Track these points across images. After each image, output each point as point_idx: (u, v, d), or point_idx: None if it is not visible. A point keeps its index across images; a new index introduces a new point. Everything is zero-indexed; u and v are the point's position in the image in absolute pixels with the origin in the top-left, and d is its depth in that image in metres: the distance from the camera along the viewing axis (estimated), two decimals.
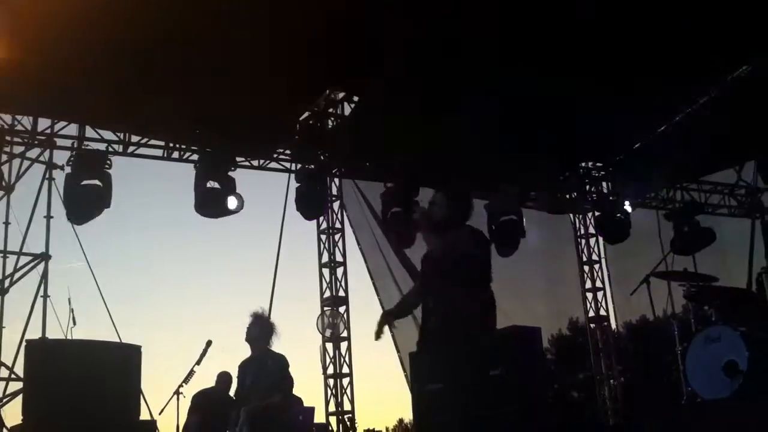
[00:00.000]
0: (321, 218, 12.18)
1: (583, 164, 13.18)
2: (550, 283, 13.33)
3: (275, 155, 11.28)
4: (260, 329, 7.09)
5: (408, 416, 16.96)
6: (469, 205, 5.49)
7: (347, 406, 11.74)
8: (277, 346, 7.25)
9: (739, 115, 10.22)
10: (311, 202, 11.01)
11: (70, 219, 9.65)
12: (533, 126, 9.86)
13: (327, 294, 12.21)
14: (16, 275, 10.79)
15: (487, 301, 5.30)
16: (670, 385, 12.10)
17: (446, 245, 5.19)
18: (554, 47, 8.60)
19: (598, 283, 13.72)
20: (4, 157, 9.95)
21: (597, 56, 8.78)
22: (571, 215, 13.84)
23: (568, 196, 13.20)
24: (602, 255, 13.81)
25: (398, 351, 12.32)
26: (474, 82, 9.03)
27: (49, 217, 10.91)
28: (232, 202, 10.23)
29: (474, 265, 5.18)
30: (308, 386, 11.65)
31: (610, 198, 13.11)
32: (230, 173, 10.39)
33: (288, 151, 11.30)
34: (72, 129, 9.92)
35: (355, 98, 11.05)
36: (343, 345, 12.04)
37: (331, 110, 11.36)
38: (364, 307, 13.99)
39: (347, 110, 11.32)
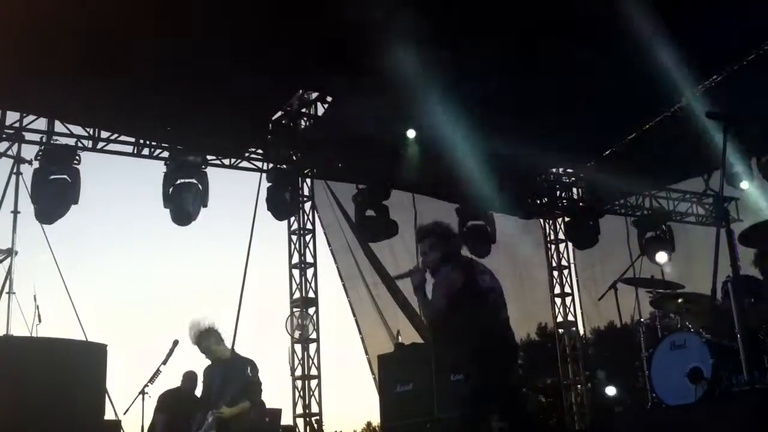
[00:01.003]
0: (292, 219, 12.12)
1: (554, 170, 13.29)
2: (519, 287, 13.39)
3: (247, 154, 11.22)
4: (215, 340, 6.97)
5: (376, 419, 16.97)
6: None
7: (315, 409, 11.69)
8: (245, 346, 7.20)
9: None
10: (282, 203, 10.97)
11: (39, 219, 9.53)
12: (504, 131, 9.88)
13: (297, 295, 12.15)
14: None
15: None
16: (636, 391, 12.19)
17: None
18: (524, 49, 8.65)
19: (567, 289, 13.81)
20: None
21: (568, 60, 8.84)
22: (542, 220, 13.93)
23: (539, 202, 13.28)
24: (572, 260, 13.91)
25: (367, 353, 12.33)
26: (447, 82, 9.02)
27: (16, 212, 10.76)
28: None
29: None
30: (276, 388, 11.61)
31: (580, 204, 13.23)
32: (202, 170, 10.32)
33: (260, 150, 11.25)
34: (41, 123, 9.79)
35: (329, 98, 11.03)
36: (312, 347, 11.99)
37: (304, 110, 11.33)
38: (334, 308, 13.98)
39: (320, 110, 11.31)
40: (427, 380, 7.97)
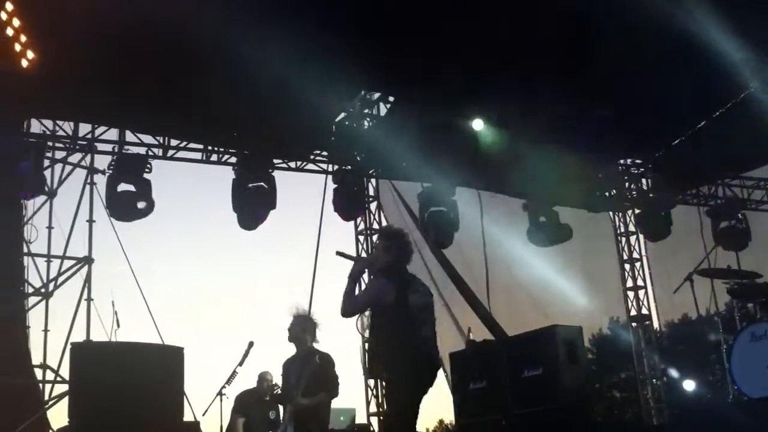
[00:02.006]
0: (358, 219, 12.19)
1: (622, 161, 13.06)
2: (590, 282, 13.19)
3: (312, 156, 11.33)
4: (301, 328, 7.10)
5: (448, 417, 16.90)
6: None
7: None
8: (319, 346, 7.27)
9: None
10: (349, 203, 11.03)
11: (115, 217, 9.75)
12: (570, 122, 9.77)
13: None
14: (60, 279, 10.96)
15: None
16: (713, 384, 11.93)
17: None
18: (592, 42, 8.54)
19: (640, 282, 13.56)
20: (46, 163, 10.10)
21: (634, 52, 8.69)
22: (611, 213, 13.70)
23: (607, 194, 13.07)
24: (643, 253, 13.65)
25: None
26: (511, 79, 8.97)
27: (91, 221, 11.07)
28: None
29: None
30: (349, 387, 11.66)
31: (650, 195, 12.97)
32: (269, 174, 10.45)
33: (325, 153, 11.34)
34: (112, 134, 10.06)
35: (390, 98, 11.06)
36: None
37: (366, 111, 11.38)
38: None
39: (383, 110, 11.34)
40: (501, 377, 7.93)
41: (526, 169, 10.37)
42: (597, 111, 9.82)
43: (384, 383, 5.34)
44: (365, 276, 5.74)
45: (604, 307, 14.51)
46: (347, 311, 5.38)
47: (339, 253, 5.52)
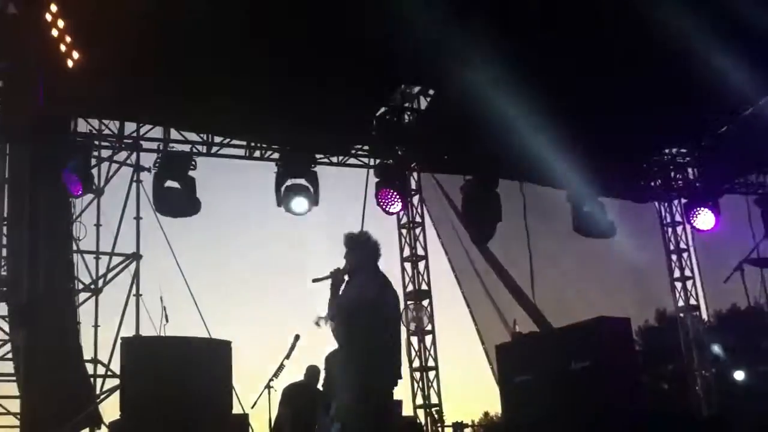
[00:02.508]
0: (401, 213, 12.20)
1: (667, 150, 12.87)
2: (636, 273, 13.06)
3: (353, 151, 11.35)
4: None
5: (493, 409, 16.86)
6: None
7: (434, 399, 11.77)
8: None
9: None
10: (391, 197, 11.04)
11: (161, 213, 9.87)
12: (614, 113, 9.64)
13: (410, 288, 12.25)
14: (109, 275, 11.19)
15: None
16: (764, 374, 11.72)
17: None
18: (634, 32, 8.42)
19: (687, 272, 13.38)
20: (93, 162, 10.27)
21: (681, 36, 8.54)
22: (657, 203, 13.52)
23: (652, 184, 12.89)
24: (690, 243, 13.46)
25: (483, 343, 12.31)
26: (551, 70, 8.88)
27: (138, 218, 11.28)
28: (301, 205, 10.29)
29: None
30: None
31: (697, 184, 12.76)
32: (311, 169, 10.50)
33: (366, 147, 11.35)
34: (157, 132, 10.15)
35: (431, 92, 11.03)
36: (428, 338, 12.07)
37: (407, 104, 11.36)
38: (447, 300, 13.99)
39: (423, 104, 11.31)
40: (548, 369, 7.88)
41: (570, 160, 10.25)
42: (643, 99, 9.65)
43: None
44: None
45: (651, 299, 14.37)
46: (332, 314, 5.52)
47: (315, 280, 5.70)
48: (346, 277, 5.62)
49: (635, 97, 9.66)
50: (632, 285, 13.27)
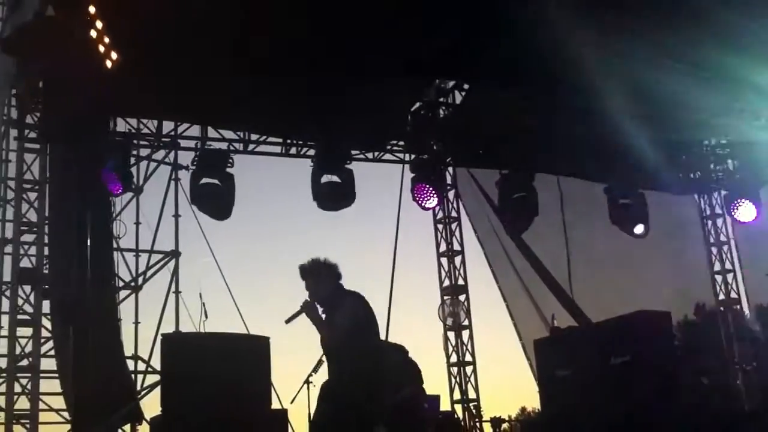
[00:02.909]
0: (437, 208, 12.18)
1: (706, 142, 12.69)
2: (676, 266, 12.90)
3: (389, 147, 11.36)
4: None
5: (530, 404, 16.78)
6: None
7: (472, 394, 11.75)
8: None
9: None
10: (426, 192, 11.03)
11: (201, 211, 9.94)
12: (652, 105, 9.52)
13: (446, 283, 12.23)
14: (148, 273, 11.31)
15: None
16: None
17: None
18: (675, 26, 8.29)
19: (728, 265, 13.18)
20: (132, 160, 10.39)
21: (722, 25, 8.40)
22: (696, 195, 13.35)
23: (692, 176, 12.74)
24: (731, 235, 13.26)
25: (520, 338, 12.25)
26: (586, 62, 8.78)
27: (177, 215, 11.39)
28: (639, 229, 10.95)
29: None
30: (432, 375, 11.71)
31: (737, 176, 12.57)
32: (347, 165, 10.53)
33: (401, 142, 11.36)
34: (195, 130, 10.27)
35: (465, 86, 11.00)
36: (465, 333, 12.04)
37: (442, 99, 11.35)
38: (484, 294, 13.94)
39: (458, 98, 11.29)
40: (588, 364, 7.82)
41: (608, 152, 10.16)
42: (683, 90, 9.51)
43: None
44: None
45: (690, 292, 14.18)
46: (337, 339, 5.64)
47: (288, 320, 5.78)
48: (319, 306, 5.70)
49: (676, 89, 9.53)
50: (671, 278, 13.11)
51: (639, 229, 11.58)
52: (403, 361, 7.17)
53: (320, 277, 5.69)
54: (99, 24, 7.69)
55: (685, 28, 8.00)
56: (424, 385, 7.54)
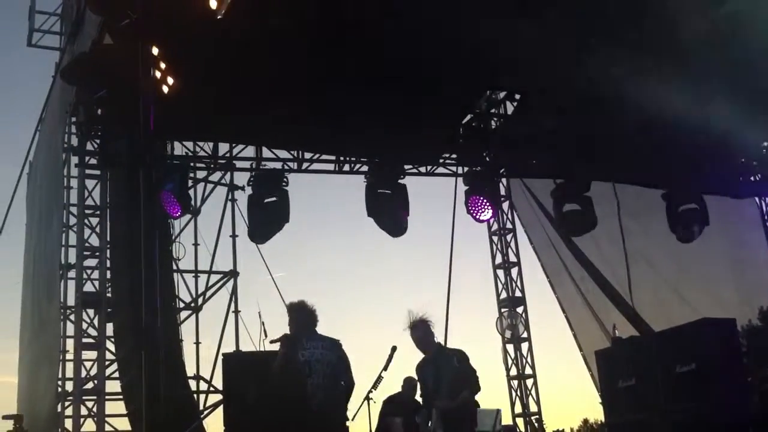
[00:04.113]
0: (492, 220, 12.12)
1: (766, 143, 12.41)
2: (737, 271, 12.63)
3: (441, 160, 11.35)
4: (423, 332, 7.09)
5: (593, 416, 16.53)
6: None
7: (533, 407, 11.63)
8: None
9: None
10: (481, 204, 10.99)
11: (253, 239, 10.07)
12: (712, 108, 9.36)
13: (503, 295, 12.16)
14: (208, 293, 11.48)
15: None
16: None
17: None
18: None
19: None
20: (189, 183, 10.55)
21: None
22: (757, 199, 13.06)
23: (752, 179, 12.46)
24: None
25: (581, 349, 12.10)
26: (641, 63, 8.66)
27: (234, 236, 11.56)
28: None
29: None
30: (492, 388, 11.65)
31: None
32: (401, 181, 10.54)
33: (454, 156, 11.33)
34: (250, 151, 10.38)
35: (517, 96, 10.94)
36: (524, 345, 11.95)
37: (493, 111, 11.30)
38: (542, 306, 13.83)
39: (510, 109, 11.24)
40: (652, 373, 7.69)
41: (666, 158, 9.99)
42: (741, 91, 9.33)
43: None
44: None
45: (754, 297, 13.86)
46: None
47: (272, 341, 6.99)
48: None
49: (732, 92, 9.37)
50: (734, 284, 12.84)
51: (698, 234, 11.35)
52: (460, 368, 7.11)
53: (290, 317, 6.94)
54: (155, 51, 7.85)
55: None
56: (479, 393, 7.47)
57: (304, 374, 6.75)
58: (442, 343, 7.23)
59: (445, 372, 6.85)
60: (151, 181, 9.06)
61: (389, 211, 10.40)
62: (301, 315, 6.97)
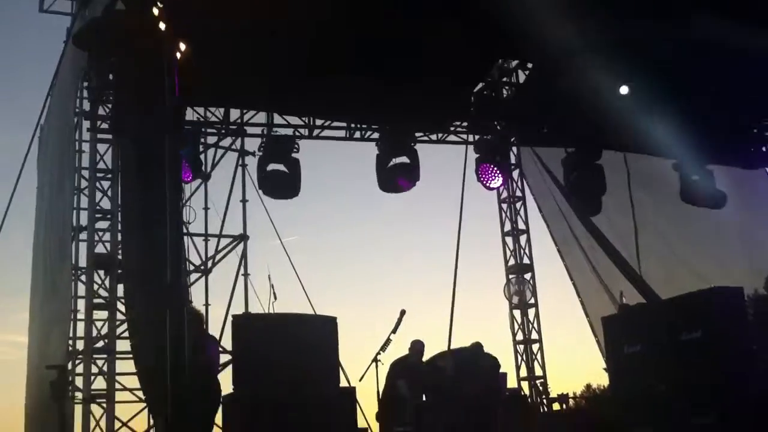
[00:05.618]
0: (501, 188, 12.15)
1: None
2: (746, 241, 12.61)
3: (452, 128, 11.35)
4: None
5: (596, 381, 16.66)
6: None
7: (538, 371, 11.75)
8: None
9: None
10: (491, 172, 11.01)
11: (268, 195, 10.09)
12: (723, 76, 9.30)
13: (511, 262, 12.22)
14: (218, 256, 11.59)
15: None
16: None
17: None
18: None
19: None
20: (200, 148, 10.61)
21: None
22: (767, 169, 13.00)
23: (763, 149, 12.40)
24: None
25: (587, 316, 12.17)
26: (655, 26, 8.59)
27: (244, 200, 11.65)
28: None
29: None
30: (499, 352, 11.76)
31: None
32: (412, 148, 10.55)
33: (465, 123, 11.33)
34: (261, 117, 10.41)
35: (529, 65, 10.90)
36: (531, 312, 12.02)
37: (505, 79, 11.27)
38: (550, 273, 13.89)
39: (522, 78, 11.20)
40: (658, 340, 7.74)
41: (676, 127, 9.96)
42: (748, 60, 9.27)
43: None
44: None
45: (761, 267, 13.86)
46: None
47: None
48: None
49: (745, 58, 9.30)
50: (742, 254, 12.83)
51: (713, 203, 11.33)
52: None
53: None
54: (167, 16, 7.86)
55: None
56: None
57: None
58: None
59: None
60: (176, 145, 9.17)
61: (397, 178, 10.43)
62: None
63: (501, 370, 9.17)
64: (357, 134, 10.85)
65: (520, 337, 11.97)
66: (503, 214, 12.62)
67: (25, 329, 11.68)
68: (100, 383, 9.86)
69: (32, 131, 10.11)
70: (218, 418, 7.60)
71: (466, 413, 7.85)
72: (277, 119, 10.44)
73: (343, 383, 8.73)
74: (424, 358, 8.93)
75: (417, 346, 8.99)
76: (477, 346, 8.89)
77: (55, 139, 10.82)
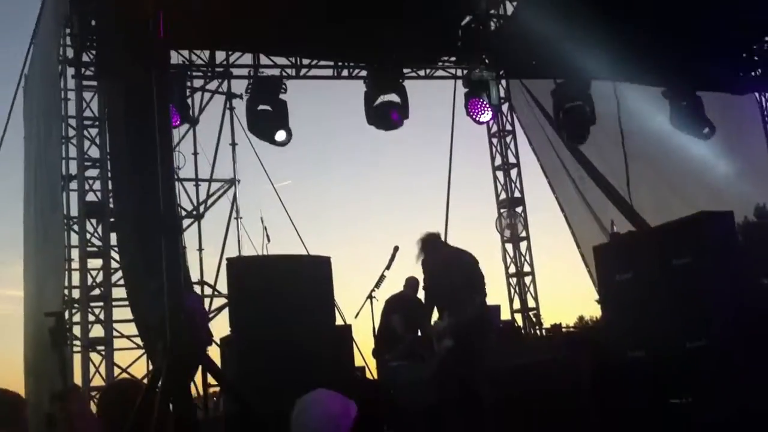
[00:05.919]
0: (491, 122, 12.12)
1: None
2: (736, 167, 12.65)
3: (440, 63, 11.26)
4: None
5: (588, 313, 16.90)
6: None
7: (531, 303, 11.89)
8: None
9: None
10: (480, 107, 10.96)
11: (258, 137, 10.03)
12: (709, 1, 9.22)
13: (503, 196, 12.26)
14: (209, 201, 11.60)
15: None
16: None
17: None
18: None
19: None
20: (187, 92, 10.51)
21: None
22: (757, 95, 12.98)
23: (753, 74, 12.36)
24: None
25: (579, 247, 12.27)
26: None
27: (233, 144, 11.60)
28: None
29: None
30: (491, 285, 11.91)
31: None
32: (400, 84, 10.48)
33: (452, 58, 11.23)
34: (247, 58, 10.29)
35: None
36: (523, 245, 12.11)
37: (492, 11, 11.14)
38: (541, 206, 13.97)
39: (509, 9, 11.08)
40: (648, 267, 7.79)
41: (664, 53, 9.90)
42: None
43: None
44: None
45: (751, 194, 13.94)
46: None
47: None
48: None
49: None
50: (732, 180, 12.89)
51: (705, 130, 11.33)
52: (473, 271, 7.28)
53: None
54: None
55: None
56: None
57: None
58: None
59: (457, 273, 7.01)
60: (164, 87, 9.07)
61: (385, 116, 10.38)
62: None
63: (494, 303, 9.27)
64: (345, 72, 10.76)
65: (512, 270, 12.07)
66: (493, 149, 12.61)
67: (20, 284, 11.72)
68: (97, 331, 9.93)
69: (16, 83, 10.03)
70: (216, 360, 7.67)
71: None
72: (264, 60, 10.34)
73: (339, 322, 8.81)
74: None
75: (411, 282, 9.07)
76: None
77: (40, 88, 10.71)
